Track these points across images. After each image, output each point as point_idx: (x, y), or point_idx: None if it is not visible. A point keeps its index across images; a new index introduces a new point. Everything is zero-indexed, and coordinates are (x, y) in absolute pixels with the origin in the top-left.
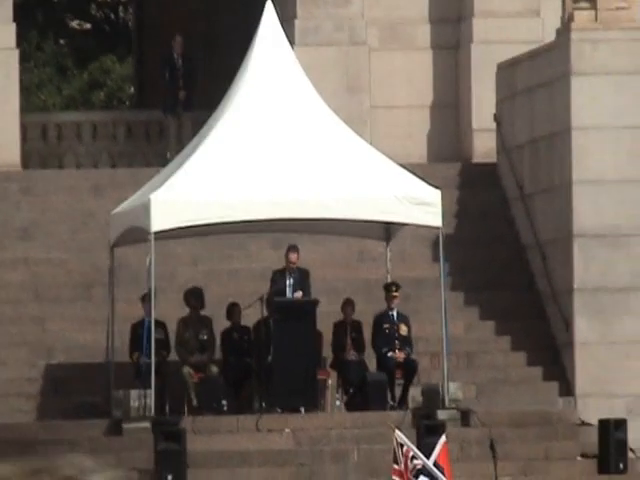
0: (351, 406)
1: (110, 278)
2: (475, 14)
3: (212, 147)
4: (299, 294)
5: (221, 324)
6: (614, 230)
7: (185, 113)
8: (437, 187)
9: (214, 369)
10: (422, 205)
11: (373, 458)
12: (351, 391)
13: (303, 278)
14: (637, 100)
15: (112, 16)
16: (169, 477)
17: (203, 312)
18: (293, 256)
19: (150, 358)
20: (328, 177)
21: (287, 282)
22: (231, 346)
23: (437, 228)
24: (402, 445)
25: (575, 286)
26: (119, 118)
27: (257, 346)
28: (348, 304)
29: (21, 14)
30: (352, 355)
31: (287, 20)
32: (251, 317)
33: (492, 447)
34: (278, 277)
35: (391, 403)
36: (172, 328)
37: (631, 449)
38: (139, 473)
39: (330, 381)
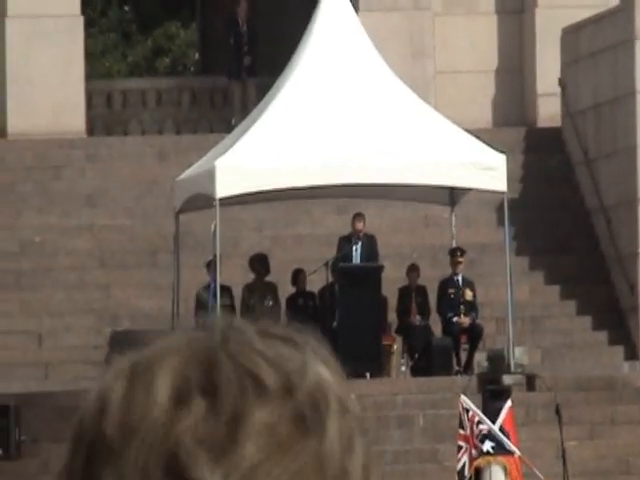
0: (416, 371)
1: (175, 244)
2: None
3: (277, 113)
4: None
5: (286, 290)
6: None
7: (249, 79)
8: (502, 152)
9: None
10: (487, 170)
11: (439, 423)
12: (416, 356)
13: (371, 244)
14: None
15: None
16: None
17: (268, 278)
18: (359, 224)
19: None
20: (393, 142)
21: (353, 248)
22: (296, 312)
23: (502, 193)
24: (468, 410)
25: None
26: (183, 84)
27: (322, 312)
28: (413, 269)
29: None
30: (417, 320)
31: None
32: (316, 283)
33: (558, 412)
34: (344, 243)
35: (456, 368)
36: (237, 294)
37: None
38: None
39: (395, 346)
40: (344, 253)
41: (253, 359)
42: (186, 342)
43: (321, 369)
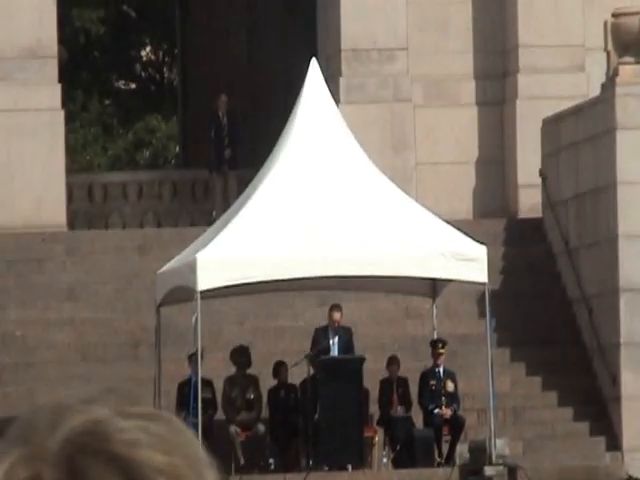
0: (398, 463)
1: (156, 337)
2: (520, 70)
3: (258, 205)
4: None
5: (268, 382)
6: None
7: (230, 171)
8: (483, 243)
9: (261, 427)
10: (468, 261)
11: None
12: (398, 448)
13: (348, 336)
14: None
15: (157, 76)
16: None
17: (250, 370)
18: (337, 315)
19: (197, 417)
20: (374, 234)
21: (332, 340)
22: (278, 404)
23: (483, 284)
24: None
25: (622, 340)
26: (164, 177)
27: (304, 404)
28: (393, 361)
29: (66, 74)
30: (399, 411)
31: (332, 77)
32: (298, 375)
33: None
34: (321, 335)
35: (438, 460)
36: (219, 387)
37: None
38: None
39: (377, 438)
40: (323, 346)
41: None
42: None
43: (170, 436)
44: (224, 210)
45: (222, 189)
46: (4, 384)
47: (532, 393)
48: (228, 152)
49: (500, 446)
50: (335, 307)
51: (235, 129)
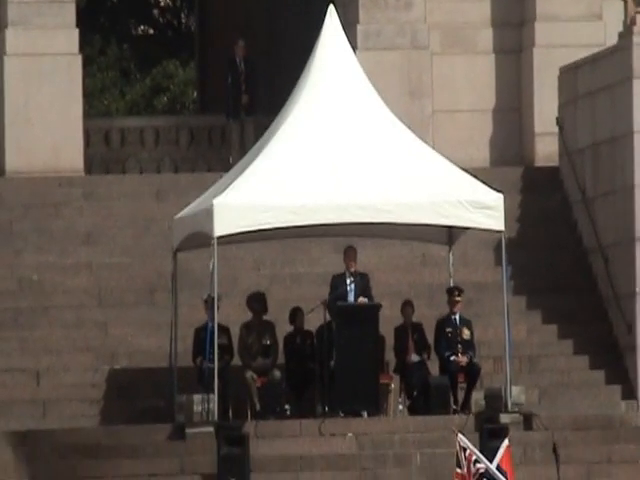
0: (414, 410)
1: (173, 283)
2: (537, 18)
3: (274, 152)
4: (363, 300)
5: (284, 329)
6: None
7: (248, 117)
8: (499, 191)
9: (277, 374)
10: (484, 209)
11: (436, 462)
12: (414, 394)
13: (364, 282)
14: None
15: (175, 21)
16: None
17: (266, 317)
18: (350, 262)
19: (213, 363)
20: (390, 181)
21: (348, 287)
22: (294, 351)
23: (499, 232)
24: (465, 449)
25: (638, 289)
26: (182, 123)
27: (320, 351)
28: (407, 305)
29: (84, 19)
30: (414, 357)
31: (349, 24)
32: (314, 322)
33: (555, 451)
34: (338, 282)
35: (454, 407)
36: (235, 333)
37: None
38: (203, 478)
39: (393, 385)
40: (339, 292)
41: None
42: None
43: None
44: (241, 156)
45: (239, 135)
46: (21, 328)
47: (548, 341)
48: (245, 98)
49: (516, 394)
50: (348, 250)
51: (252, 75)
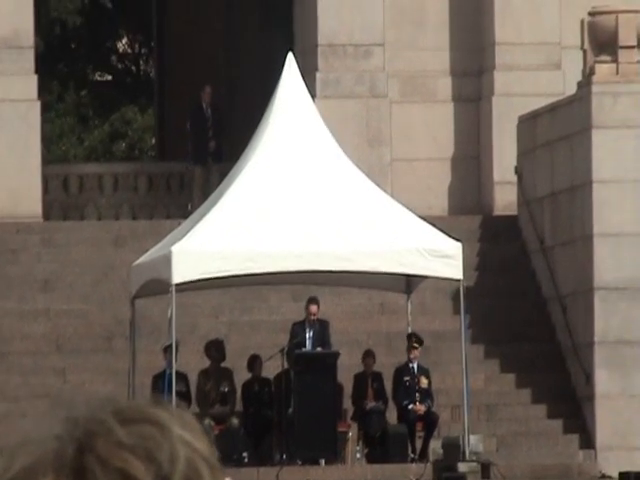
0: (372, 458)
1: (131, 330)
2: (496, 67)
3: (233, 199)
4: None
5: (242, 376)
6: (635, 283)
7: (215, 164)
8: (458, 240)
9: (235, 421)
10: (443, 258)
11: None
12: (374, 436)
13: (323, 330)
14: None
15: (133, 68)
16: None
17: (224, 364)
18: (313, 308)
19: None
20: (349, 229)
21: (307, 334)
22: (252, 398)
23: (458, 281)
24: None
25: (596, 339)
26: (140, 169)
27: (278, 398)
28: (369, 355)
29: (42, 65)
30: (373, 403)
31: (308, 72)
32: (272, 369)
33: None
34: (298, 329)
35: (412, 456)
36: (193, 380)
37: None
38: None
39: (351, 433)
40: (298, 340)
41: (121, 456)
42: (52, 455)
43: (187, 437)
44: (202, 203)
45: (203, 182)
46: None
47: (506, 390)
48: (213, 145)
49: (474, 443)
50: (312, 300)
51: (219, 121)
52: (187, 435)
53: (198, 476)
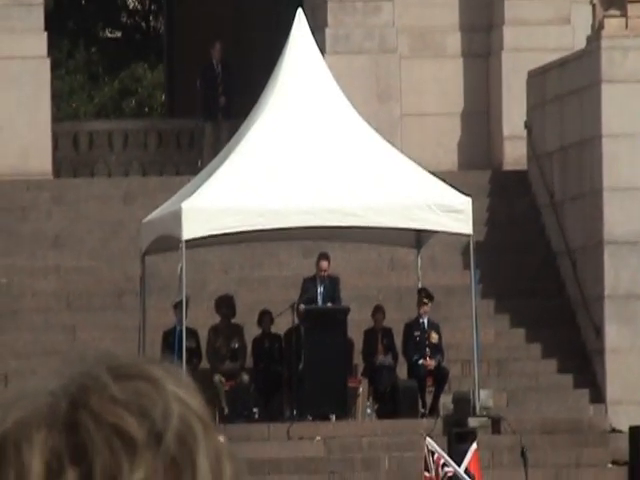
0: (382, 414)
1: (141, 286)
2: (506, 22)
3: (243, 155)
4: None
5: (252, 332)
6: None
7: (225, 120)
8: (468, 194)
9: (245, 377)
10: (453, 213)
11: (404, 466)
12: (385, 392)
13: (334, 286)
14: None
15: (143, 24)
16: None
17: (234, 320)
18: (324, 264)
19: (181, 367)
20: (359, 185)
21: (318, 290)
22: (262, 354)
23: (468, 236)
24: (433, 453)
25: (606, 293)
26: (150, 126)
27: (288, 354)
28: (378, 310)
29: (52, 23)
30: (383, 358)
31: (318, 28)
32: (282, 325)
33: (523, 454)
34: (309, 285)
35: (422, 411)
36: (203, 336)
37: None
38: None
39: (361, 389)
40: (309, 296)
41: (115, 412)
42: (46, 409)
43: (181, 394)
44: (213, 159)
45: (213, 138)
46: None
47: (516, 345)
48: (223, 100)
49: (484, 397)
50: (322, 256)
51: (229, 77)
52: (181, 392)
53: (191, 433)
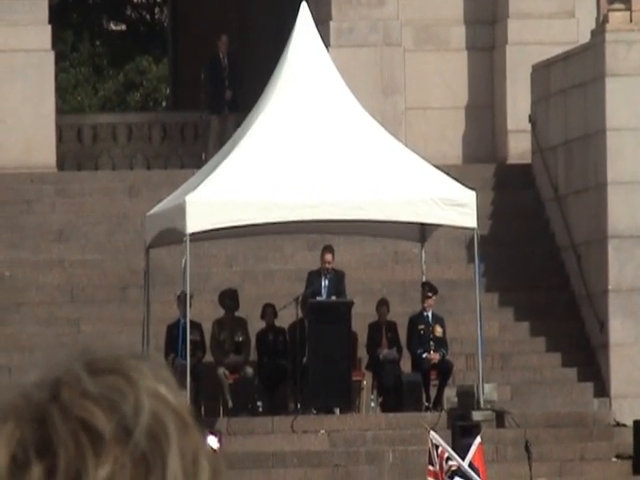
0: (386, 407)
1: (145, 279)
2: (510, 15)
3: (247, 149)
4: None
5: (256, 325)
6: None
7: (231, 113)
8: (472, 188)
9: (249, 370)
10: (457, 206)
11: (408, 459)
12: (389, 385)
13: (338, 279)
14: None
15: (147, 17)
16: None
17: (238, 313)
18: (328, 257)
19: (185, 359)
20: (363, 178)
21: (322, 283)
22: (266, 347)
23: (472, 229)
24: (437, 446)
25: (610, 287)
26: (154, 119)
27: (292, 347)
28: (383, 304)
29: (56, 15)
30: (387, 352)
31: (322, 21)
32: (286, 318)
33: (527, 448)
34: (314, 278)
35: (426, 404)
36: (207, 329)
37: None
38: None
39: (365, 382)
40: (313, 289)
41: (84, 406)
42: (20, 402)
43: (158, 390)
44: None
45: (219, 131)
46: None
47: (520, 338)
48: (229, 94)
49: (488, 391)
50: (327, 249)
51: (236, 70)
52: (161, 388)
53: (163, 429)
